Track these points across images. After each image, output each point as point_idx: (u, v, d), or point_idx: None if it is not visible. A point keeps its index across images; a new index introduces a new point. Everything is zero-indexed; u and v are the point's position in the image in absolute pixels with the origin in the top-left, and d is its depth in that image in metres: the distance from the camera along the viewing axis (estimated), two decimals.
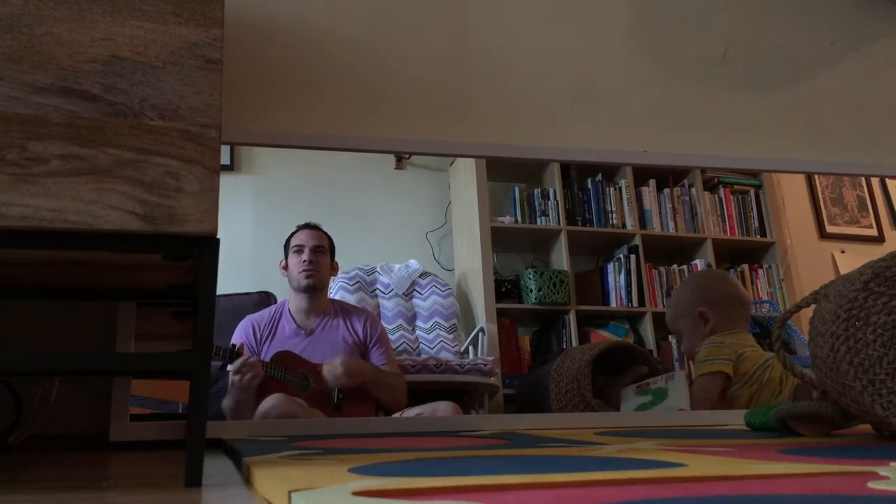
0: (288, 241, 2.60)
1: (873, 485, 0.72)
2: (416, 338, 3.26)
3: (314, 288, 2.52)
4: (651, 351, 3.39)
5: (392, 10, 1.99)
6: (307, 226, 2.61)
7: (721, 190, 3.90)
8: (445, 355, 3.13)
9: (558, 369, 2.39)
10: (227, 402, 2.27)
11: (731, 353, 2.15)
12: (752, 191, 3.93)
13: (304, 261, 2.50)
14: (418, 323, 3.31)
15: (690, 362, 2.51)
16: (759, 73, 2.17)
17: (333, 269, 2.64)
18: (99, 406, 1.68)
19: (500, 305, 3.37)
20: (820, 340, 1.32)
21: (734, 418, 1.86)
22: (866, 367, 1.24)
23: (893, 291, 1.26)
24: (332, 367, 2.37)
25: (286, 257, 2.57)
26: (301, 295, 2.51)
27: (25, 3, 1.03)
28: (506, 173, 3.67)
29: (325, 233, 2.63)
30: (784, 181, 3.96)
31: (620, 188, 3.72)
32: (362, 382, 2.40)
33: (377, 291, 3.34)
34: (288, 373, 2.37)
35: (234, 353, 2.29)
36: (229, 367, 2.34)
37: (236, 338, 2.48)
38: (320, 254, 2.54)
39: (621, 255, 3.63)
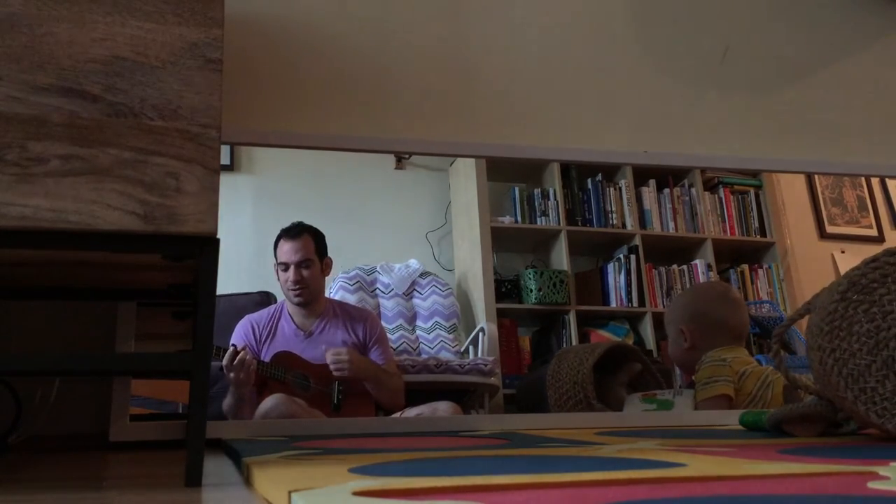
0: (274, 248, 2.54)
1: (873, 485, 0.72)
2: (417, 338, 3.26)
3: (306, 303, 2.49)
4: (651, 351, 3.39)
5: (392, 10, 1.99)
6: (288, 234, 2.49)
7: (721, 190, 3.90)
8: (445, 355, 3.13)
9: (555, 374, 2.36)
10: (227, 402, 2.27)
11: (731, 373, 2.10)
12: (752, 191, 3.93)
13: (290, 280, 2.44)
14: (418, 323, 3.31)
15: (679, 367, 2.51)
16: (759, 74, 2.17)
17: (327, 266, 2.56)
18: (99, 406, 1.68)
19: (500, 305, 3.37)
20: (811, 354, 1.31)
21: (734, 418, 1.86)
22: (856, 376, 1.24)
23: (872, 298, 1.26)
24: (338, 353, 2.37)
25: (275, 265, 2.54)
26: (296, 306, 2.51)
27: (25, 3, 1.03)
28: (506, 173, 3.67)
29: (311, 234, 2.52)
30: (784, 181, 3.96)
31: (620, 188, 3.72)
32: (363, 377, 2.40)
33: (377, 291, 3.34)
34: (288, 373, 2.37)
35: (234, 356, 2.29)
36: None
37: (235, 338, 2.48)
38: (306, 267, 2.45)
39: (621, 255, 3.63)
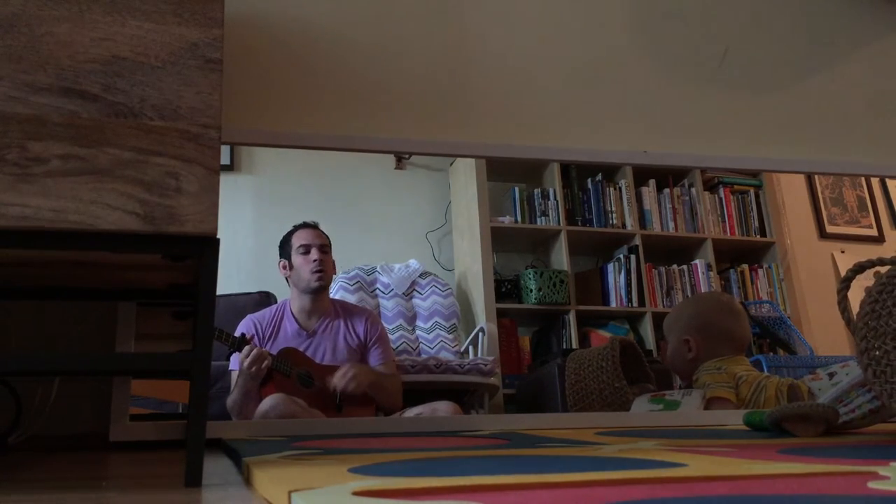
0: (286, 241, 2.58)
1: (873, 485, 0.72)
2: (416, 338, 3.26)
3: (323, 288, 2.52)
4: (651, 351, 3.39)
5: (392, 10, 1.99)
6: (308, 225, 2.60)
7: (721, 190, 3.90)
8: (445, 355, 3.13)
9: (576, 377, 2.38)
10: (233, 397, 2.28)
11: (729, 379, 2.14)
12: (752, 191, 3.93)
13: (315, 261, 2.48)
14: (418, 323, 3.30)
15: (677, 374, 2.52)
16: (759, 74, 2.17)
17: (334, 266, 2.64)
18: (99, 406, 1.68)
19: (500, 305, 3.37)
20: (874, 287, 1.29)
21: (734, 418, 1.86)
22: (879, 333, 1.23)
23: None
24: (344, 374, 2.37)
25: (287, 258, 2.55)
26: (306, 296, 2.51)
27: (25, 3, 1.03)
28: (506, 173, 3.67)
29: (323, 231, 2.63)
30: (784, 181, 3.96)
31: (620, 188, 3.72)
32: (369, 384, 2.40)
33: (377, 291, 3.34)
34: (293, 369, 2.37)
35: (241, 342, 2.30)
36: (233, 360, 2.35)
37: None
38: (326, 253, 2.54)
39: (621, 255, 3.63)
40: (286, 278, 2.57)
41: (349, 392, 2.35)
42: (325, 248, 2.54)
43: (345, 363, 2.43)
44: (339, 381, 2.35)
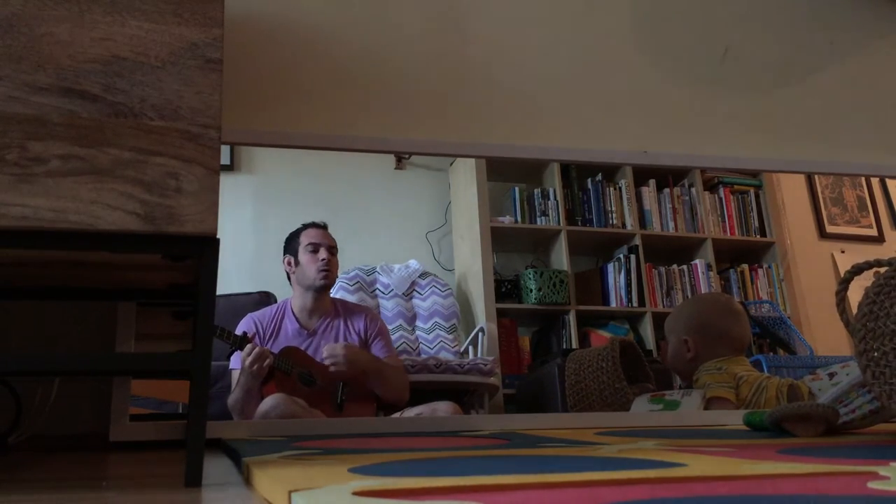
0: (294, 238, 2.59)
1: (873, 485, 0.72)
2: (416, 338, 3.26)
3: (326, 287, 2.53)
4: (651, 351, 3.39)
5: (393, 10, 1.99)
6: (317, 225, 2.61)
7: (721, 190, 3.90)
8: (445, 355, 3.13)
9: (576, 377, 2.38)
10: (234, 396, 2.28)
11: (729, 379, 2.14)
12: (752, 191, 3.93)
13: (324, 260, 2.50)
14: (418, 323, 3.31)
15: (677, 375, 2.52)
16: (759, 73, 2.17)
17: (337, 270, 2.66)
18: (99, 406, 1.68)
19: (500, 305, 3.37)
20: (871, 288, 1.28)
21: (734, 418, 1.86)
22: (877, 334, 1.23)
23: None
24: (332, 348, 2.38)
25: (293, 254, 2.55)
26: (309, 294, 2.51)
27: (25, 3, 1.03)
28: (506, 173, 3.67)
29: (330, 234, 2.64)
30: (784, 181, 3.96)
31: (620, 188, 3.72)
32: (362, 372, 2.40)
33: (377, 291, 3.35)
34: (294, 368, 2.37)
35: (243, 340, 2.31)
36: (234, 359, 2.35)
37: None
38: (334, 255, 2.56)
39: (621, 255, 3.63)
40: (289, 275, 2.57)
41: (333, 371, 2.35)
42: (333, 249, 2.56)
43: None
44: (326, 352, 2.37)
